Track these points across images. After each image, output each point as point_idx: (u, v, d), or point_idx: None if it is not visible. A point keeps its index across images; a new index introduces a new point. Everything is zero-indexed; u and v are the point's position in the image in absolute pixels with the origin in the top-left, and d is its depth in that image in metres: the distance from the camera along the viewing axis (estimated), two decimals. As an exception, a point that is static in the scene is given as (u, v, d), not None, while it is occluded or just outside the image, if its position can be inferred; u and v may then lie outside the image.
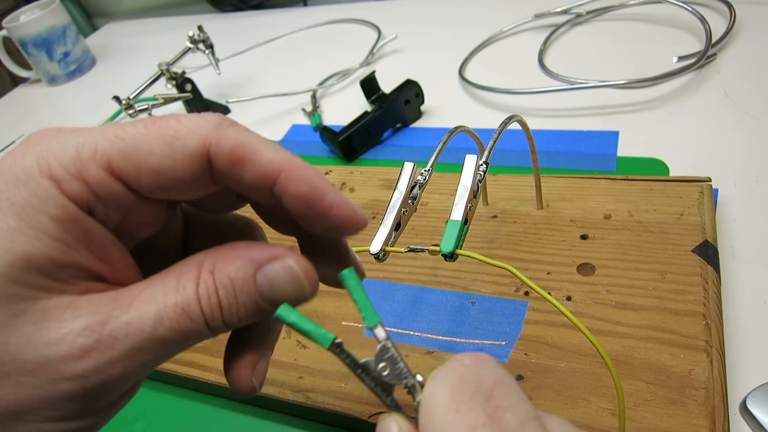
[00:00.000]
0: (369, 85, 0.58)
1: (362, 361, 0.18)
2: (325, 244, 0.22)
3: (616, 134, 0.50)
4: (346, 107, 0.66)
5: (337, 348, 0.18)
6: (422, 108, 0.60)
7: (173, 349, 0.18)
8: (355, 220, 0.19)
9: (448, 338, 0.35)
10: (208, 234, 0.23)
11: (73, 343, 0.16)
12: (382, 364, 0.18)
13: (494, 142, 0.32)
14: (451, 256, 0.27)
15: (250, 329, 0.21)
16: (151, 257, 0.21)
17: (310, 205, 0.18)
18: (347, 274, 0.19)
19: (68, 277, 0.17)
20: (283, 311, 0.18)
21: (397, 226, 0.30)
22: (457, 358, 0.17)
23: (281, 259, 0.18)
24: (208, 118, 0.18)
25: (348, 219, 0.19)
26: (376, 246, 0.29)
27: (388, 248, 0.29)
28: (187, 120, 0.18)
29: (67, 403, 0.17)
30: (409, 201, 0.30)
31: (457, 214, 0.28)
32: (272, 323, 0.22)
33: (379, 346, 0.18)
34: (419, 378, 0.17)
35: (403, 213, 0.30)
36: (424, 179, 0.31)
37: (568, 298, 0.35)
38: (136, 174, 0.17)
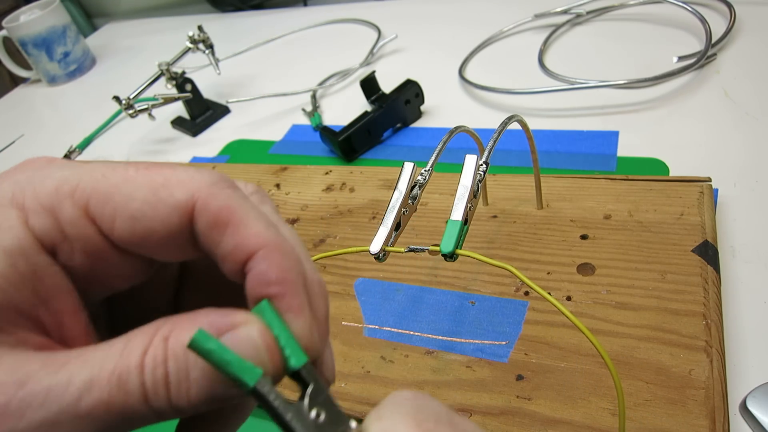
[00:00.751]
0: (369, 85, 0.58)
1: (293, 404, 0.15)
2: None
3: (616, 134, 0.50)
4: (346, 107, 0.66)
5: (264, 387, 0.14)
6: (422, 108, 0.60)
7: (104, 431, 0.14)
8: (303, 341, 0.16)
9: (448, 338, 0.35)
10: (205, 285, 0.20)
11: None
12: (315, 409, 0.15)
13: (494, 141, 0.32)
14: (451, 256, 0.27)
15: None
16: (134, 308, 0.19)
17: (268, 297, 0.15)
18: (264, 306, 0.15)
19: (1, 322, 0.15)
20: (201, 336, 0.14)
21: (397, 226, 0.30)
22: (395, 394, 0.15)
23: (242, 327, 0.15)
24: (206, 174, 0.16)
25: (297, 334, 0.16)
26: (376, 246, 0.29)
27: (388, 248, 0.29)
28: (184, 171, 0.16)
29: None
30: (409, 201, 0.30)
31: (457, 214, 0.28)
32: (237, 405, 0.18)
33: (310, 388, 0.15)
34: (353, 424, 0.15)
35: (403, 213, 0.30)
36: (424, 179, 0.31)
37: (568, 298, 0.35)
38: (111, 218, 0.15)
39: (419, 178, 0.31)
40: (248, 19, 1.01)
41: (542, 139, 0.52)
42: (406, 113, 0.59)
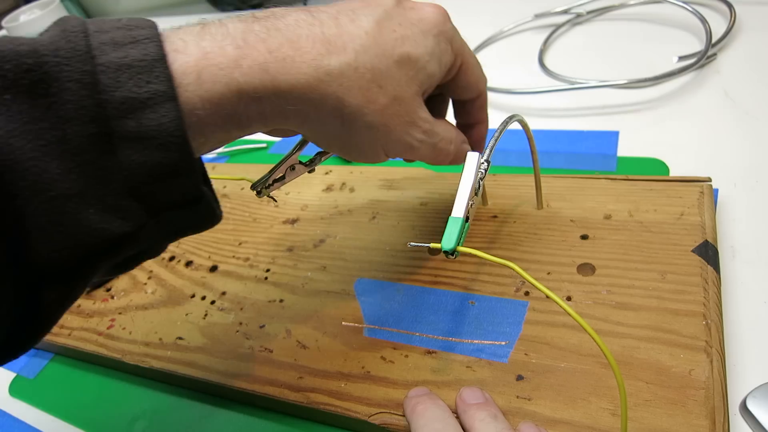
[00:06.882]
0: (369, 85, 0.58)
1: None
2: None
3: (616, 134, 0.50)
4: (346, 107, 0.66)
5: None
6: (422, 108, 0.60)
7: None
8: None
9: (448, 338, 0.35)
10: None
11: None
12: None
13: (495, 140, 0.32)
14: (452, 253, 0.27)
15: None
16: None
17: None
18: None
19: None
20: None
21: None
22: None
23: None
24: None
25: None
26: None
27: (413, 244, 0.28)
28: None
29: None
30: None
31: (459, 211, 0.28)
32: None
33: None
34: None
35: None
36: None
37: (568, 299, 0.35)
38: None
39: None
40: (248, 19, 1.00)
41: (542, 139, 0.52)
42: (406, 113, 0.58)
